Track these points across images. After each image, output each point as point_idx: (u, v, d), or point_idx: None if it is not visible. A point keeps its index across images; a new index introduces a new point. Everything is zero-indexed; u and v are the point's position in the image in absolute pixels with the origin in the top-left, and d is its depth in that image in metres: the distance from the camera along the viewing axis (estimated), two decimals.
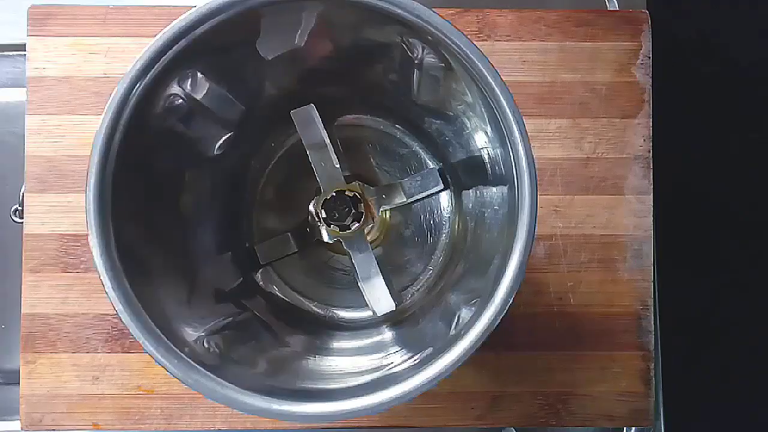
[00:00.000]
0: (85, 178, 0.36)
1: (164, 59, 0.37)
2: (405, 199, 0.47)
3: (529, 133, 0.37)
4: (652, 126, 0.51)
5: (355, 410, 0.36)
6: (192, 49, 0.38)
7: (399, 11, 0.37)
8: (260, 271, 0.51)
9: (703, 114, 0.81)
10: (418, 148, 0.52)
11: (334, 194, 0.44)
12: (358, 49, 0.43)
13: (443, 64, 0.41)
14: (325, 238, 0.46)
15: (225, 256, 0.49)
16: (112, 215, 0.37)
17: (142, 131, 0.39)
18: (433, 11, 0.37)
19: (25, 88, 0.50)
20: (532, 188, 0.36)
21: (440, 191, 0.48)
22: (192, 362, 0.36)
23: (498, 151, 0.40)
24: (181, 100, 0.41)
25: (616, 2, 0.56)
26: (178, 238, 0.44)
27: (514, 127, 0.36)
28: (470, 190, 0.48)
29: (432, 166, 0.51)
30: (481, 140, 0.43)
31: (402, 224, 0.52)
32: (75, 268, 0.49)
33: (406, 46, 0.42)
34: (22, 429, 0.49)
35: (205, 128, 0.45)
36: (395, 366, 0.41)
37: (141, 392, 0.49)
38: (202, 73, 0.42)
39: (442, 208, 0.52)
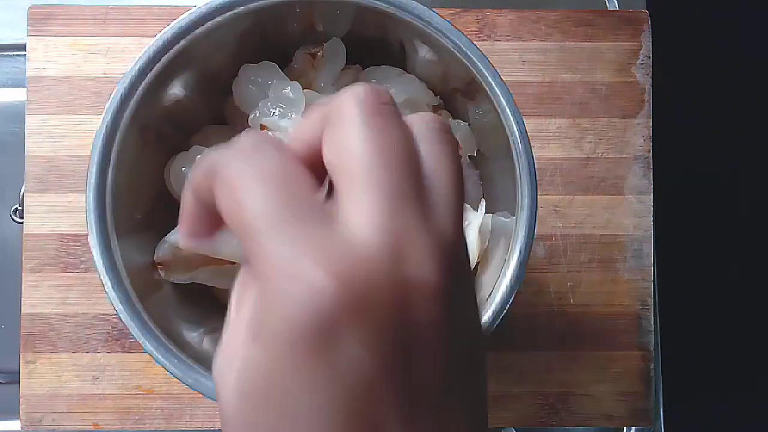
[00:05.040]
0: (85, 178, 0.36)
1: (164, 59, 0.37)
2: None
3: (529, 133, 0.37)
4: (652, 126, 0.51)
5: None
6: (192, 49, 0.38)
7: (399, 11, 0.37)
8: None
9: (703, 114, 0.81)
10: None
11: None
12: (357, 45, 0.43)
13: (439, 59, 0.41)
14: None
15: None
16: (112, 214, 0.37)
17: (142, 131, 0.39)
18: (433, 11, 0.37)
19: (25, 88, 0.50)
20: (532, 188, 0.36)
21: None
22: (192, 362, 0.36)
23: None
24: (181, 99, 0.41)
25: (616, 2, 0.56)
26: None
27: (514, 127, 0.36)
28: None
29: None
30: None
31: None
32: (75, 268, 0.49)
33: (406, 44, 0.42)
34: (22, 429, 0.48)
35: (204, 125, 0.46)
36: None
37: (141, 392, 0.49)
38: (201, 72, 0.42)
39: None
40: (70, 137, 0.49)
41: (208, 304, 0.45)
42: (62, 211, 0.49)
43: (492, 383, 0.50)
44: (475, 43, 0.37)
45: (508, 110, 0.36)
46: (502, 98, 0.37)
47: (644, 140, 0.51)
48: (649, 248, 0.50)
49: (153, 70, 0.37)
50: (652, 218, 0.51)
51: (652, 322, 0.50)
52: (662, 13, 0.56)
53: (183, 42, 0.37)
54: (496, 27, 0.51)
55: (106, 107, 0.37)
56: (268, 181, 0.20)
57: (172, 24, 0.37)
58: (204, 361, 0.37)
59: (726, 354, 0.79)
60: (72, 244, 0.49)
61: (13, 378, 0.53)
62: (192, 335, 0.40)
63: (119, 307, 0.36)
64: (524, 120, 0.36)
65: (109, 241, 0.36)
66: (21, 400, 0.49)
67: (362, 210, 0.19)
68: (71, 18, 0.50)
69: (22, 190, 0.49)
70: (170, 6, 0.50)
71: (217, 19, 0.37)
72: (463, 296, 0.21)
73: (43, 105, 0.49)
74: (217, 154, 0.21)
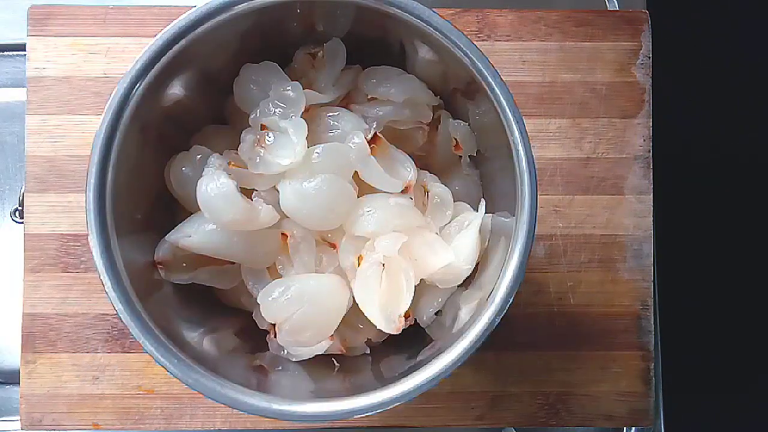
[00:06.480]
0: (85, 178, 0.36)
1: (164, 59, 0.37)
2: None
3: (529, 133, 0.37)
4: (652, 126, 0.51)
5: (355, 410, 0.36)
6: (192, 49, 0.38)
7: (399, 11, 0.37)
8: None
9: (703, 114, 0.81)
10: None
11: None
12: (357, 45, 0.43)
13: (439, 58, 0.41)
14: None
15: None
16: (112, 214, 0.37)
17: (143, 130, 0.39)
18: (433, 11, 0.37)
19: (25, 88, 0.50)
20: (532, 188, 0.36)
21: None
22: (192, 362, 0.36)
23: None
24: (181, 99, 0.41)
25: (616, 2, 0.56)
26: None
27: (514, 127, 0.36)
28: None
29: None
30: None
31: None
32: (75, 268, 0.49)
33: (406, 44, 0.42)
34: (22, 429, 0.49)
35: (204, 125, 0.46)
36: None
37: (141, 392, 0.49)
38: (201, 72, 0.42)
39: None
40: (70, 137, 0.49)
41: (208, 304, 0.45)
42: (62, 211, 0.49)
43: (492, 383, 0.50)
44: (475, 43, 0.37)
45: (508, 110, 0.36)
46: (502, 98, 0.37)
47: (644, 140, 0.51)
48: (649, 248, 0.50)
49: (153, 70, 0.37)
50: (652, 218, 0.51)
51: (652, 322, 0.50)
52: (662, 13, 0.56)
53: (183, 42, 0.37)
54: (496, 27, 0.51)
55: (106, 107, 0.37)
56: None
57: (172, 24, 0.37)
58: (204, 361, 0.37)
59: (726, 354, 0.79)
60: (72, 244, 0.49)
61: (13, 378, 0.53)
62: (192, 335, 0.40)
63: (119, 307, 0.36)
64: (524, 120, 0.36)
65: (109, 241, 0.36)
66: (21, 400, 0.49)
67: None
68: (71, 18, 0.50)
69: (22, 190, 0.49)
70: (170, 6, 0.50)
71: (217, 19, 0.37)
72: None
73: (43, 105, 0.49)
74: None
